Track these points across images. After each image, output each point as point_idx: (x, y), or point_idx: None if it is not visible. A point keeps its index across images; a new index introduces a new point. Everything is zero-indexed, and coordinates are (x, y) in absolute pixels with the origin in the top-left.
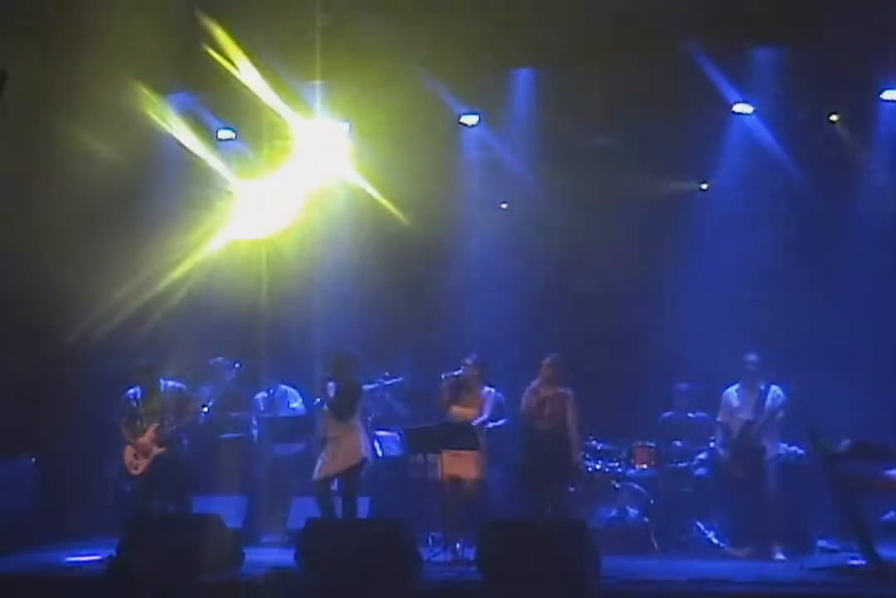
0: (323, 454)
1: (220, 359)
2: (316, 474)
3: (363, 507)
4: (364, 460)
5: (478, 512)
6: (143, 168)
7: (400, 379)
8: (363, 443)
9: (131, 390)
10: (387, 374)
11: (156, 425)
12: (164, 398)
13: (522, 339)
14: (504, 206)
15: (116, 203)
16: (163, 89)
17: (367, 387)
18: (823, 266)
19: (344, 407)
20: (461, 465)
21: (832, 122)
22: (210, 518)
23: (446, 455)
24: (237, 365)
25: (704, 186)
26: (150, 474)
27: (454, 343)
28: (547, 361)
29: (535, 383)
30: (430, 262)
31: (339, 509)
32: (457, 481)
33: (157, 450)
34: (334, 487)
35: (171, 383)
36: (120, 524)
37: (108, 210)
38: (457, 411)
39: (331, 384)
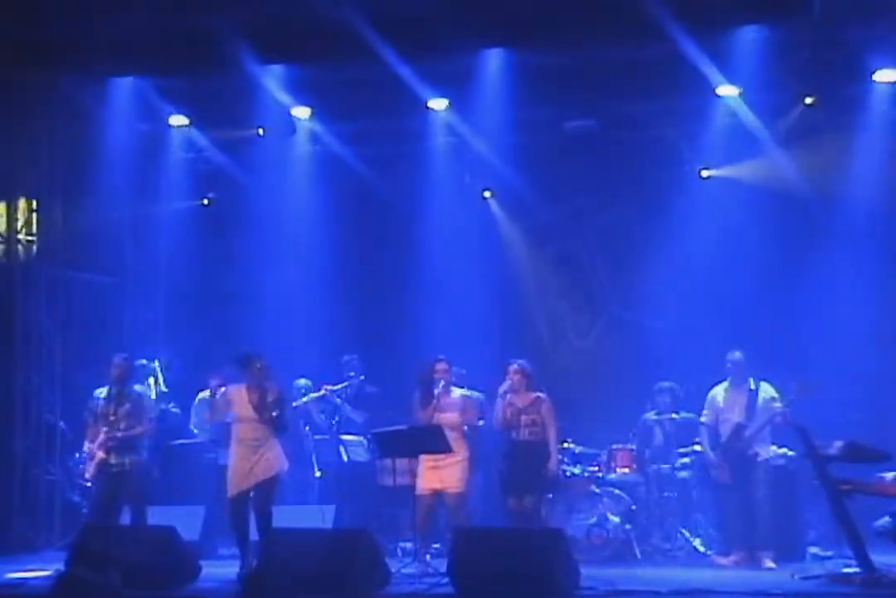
0: (238, 464)
1: (143, 361)
2: (233, 489)
3: (327, 516)
4: (283, 470)
5: (459, 524)
6: None
7: (349, 382)
8: (281, 451)
9: (98, 390)
10: (351, 374)
11: (105, 429)
12: (124, 403)
13: (495, 336)
14: (487, 194)
15: None
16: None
17: (315, 394)
18: (812, 259)
19: (282, 419)
20: (443, 477)
21: (809, 105)
22: (164, 530)
23: (425, 468)
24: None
25: (705, 174)
26: (96, 482)
27: (419, 342)
28: (513, 367)
29: (503, 390)
30: (395, 255)
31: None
32: (438, 494)
33: (100, 456)
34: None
35: (136, 388)
36: (69, 536)
37: None
38: (439, 418)
39: (238, 386)
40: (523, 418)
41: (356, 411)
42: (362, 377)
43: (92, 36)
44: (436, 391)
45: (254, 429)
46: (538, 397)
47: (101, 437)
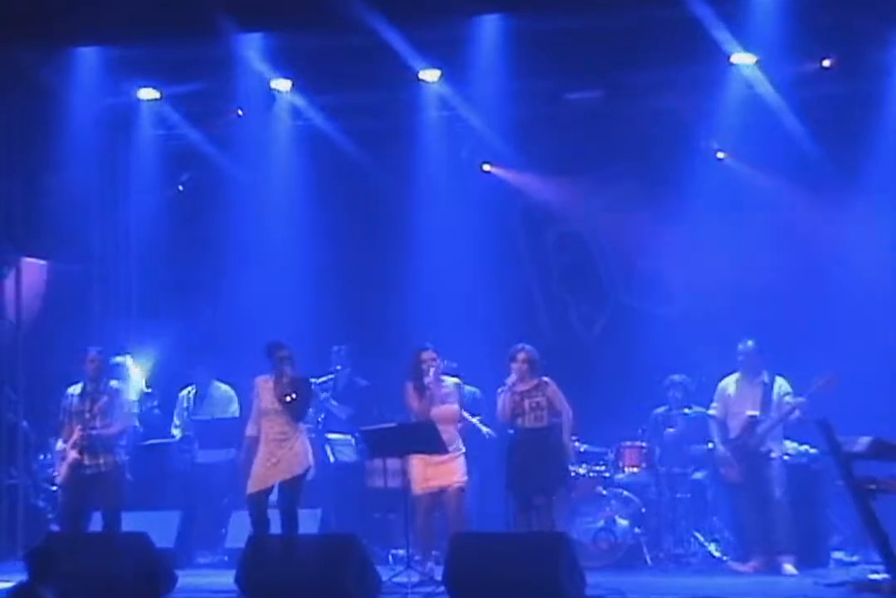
0: (261, 460)
1: (118, 360)
2: (253, 485)
3: (313, 521)
4: (309, 468)
5: (459, 524)
6: None
7: (334, 375)
8: (309, 448)
9: (71, 388)
10: (338, 368)
11: (79, 427)
12: (99, 399)
13: (492, 325)
14: (487, 167)
15: None
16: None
17: None
18: (834, 240)
19: (298, 405)
20: (443, 473)
21: (826, 68)
22: (135, 537)
23: (424, 464)
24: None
25: (721, 155)
26: (66, 485)
27: (410, 332)
28: (521, 355)
29: (509, 381)
30: (384, 239)
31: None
32: (438, 492)
33: (72, 455)
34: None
35: (112, 384)
36: (31, 544)
37: None
38: (434, 411)
39: (266, 377)
40: (527, 402)
41: (340, 406)
42: (347, 370)
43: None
44: (426, 380)
45: (279, 423)
46: (542, 380)
47: (75, 436)
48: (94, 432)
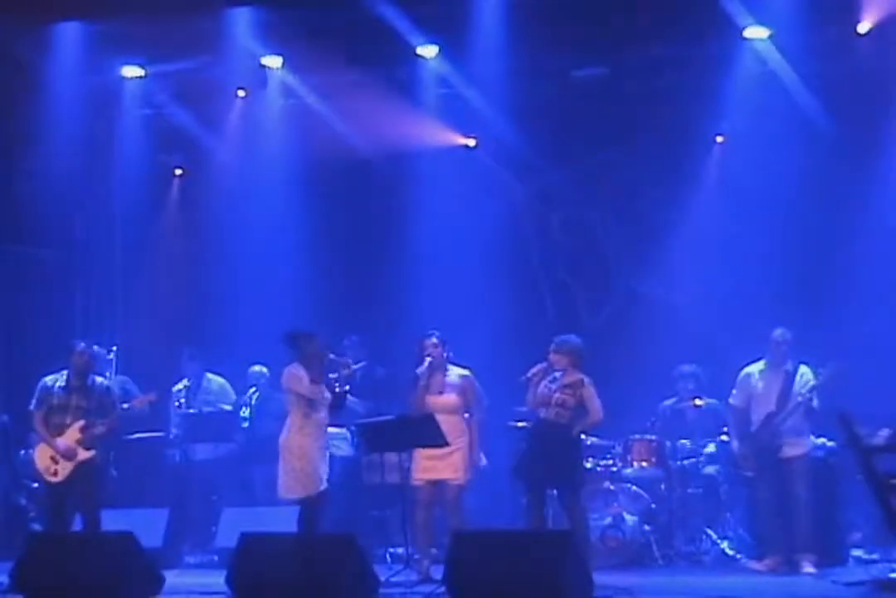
0: (314, 459)
1: (94, 348)
2: (308, 488)
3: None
4: None
5: (457, 522)
6: None
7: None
8: None
9: (49, 378)
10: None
11: (81, 423)
12: (90, 396)
13: (495, 313)
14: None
15: None
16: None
17: None
18: (855, 223)
19: (340, 387)
20: (444, 467)
21: (863, 35)
22: (121, 536)
23: (423, 458)
24: (113, 350)
25: (720, 139)
26: (72, 483)
27: (411, 320)
28: (565, 348)
29: (543, 367)
30: (384, 225)
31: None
32: (437, 485)
33: (83, 454)
34: None
35: (98, 380)
36: (13, 544)
37: None
38: (434, 401)
39: (297, 365)
40: (556, 396)
41: (357, 399)
42: (363, 362)
43: None
44: (418, 370)
45: (325, 414)
46: (581, 379)
47: (77, 433)
48: (92, 430)
